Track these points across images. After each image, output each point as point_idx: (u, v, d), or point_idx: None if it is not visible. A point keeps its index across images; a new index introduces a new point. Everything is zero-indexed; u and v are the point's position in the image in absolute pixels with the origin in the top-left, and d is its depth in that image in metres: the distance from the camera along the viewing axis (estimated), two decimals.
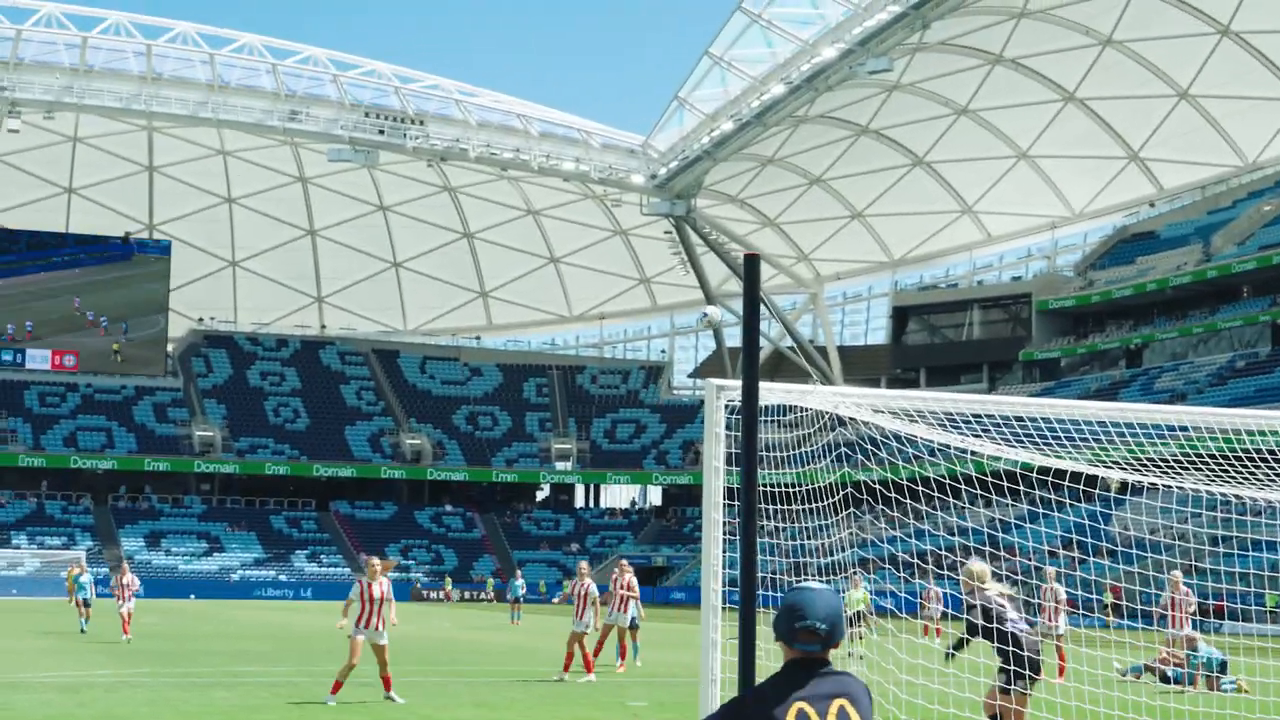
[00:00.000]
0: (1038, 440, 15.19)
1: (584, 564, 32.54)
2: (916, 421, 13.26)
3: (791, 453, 14.17)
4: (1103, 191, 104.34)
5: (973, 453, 14.54)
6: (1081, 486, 16.93)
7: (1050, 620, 29.74)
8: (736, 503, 9.68)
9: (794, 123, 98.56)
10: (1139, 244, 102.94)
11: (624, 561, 36.20)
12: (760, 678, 11.39)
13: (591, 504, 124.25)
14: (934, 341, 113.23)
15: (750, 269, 9.02)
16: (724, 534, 11.78)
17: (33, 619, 58.49)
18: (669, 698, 25.52)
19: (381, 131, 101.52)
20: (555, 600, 44.30)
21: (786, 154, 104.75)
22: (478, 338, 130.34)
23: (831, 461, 14.39)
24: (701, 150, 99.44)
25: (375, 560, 25.49)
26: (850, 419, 12.64)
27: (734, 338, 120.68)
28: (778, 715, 5.93)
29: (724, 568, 11.71)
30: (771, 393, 11.73)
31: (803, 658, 6.11)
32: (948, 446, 13.61)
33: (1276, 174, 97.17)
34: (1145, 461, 17.11)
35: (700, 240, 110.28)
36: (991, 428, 14.61)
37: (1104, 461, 16.79)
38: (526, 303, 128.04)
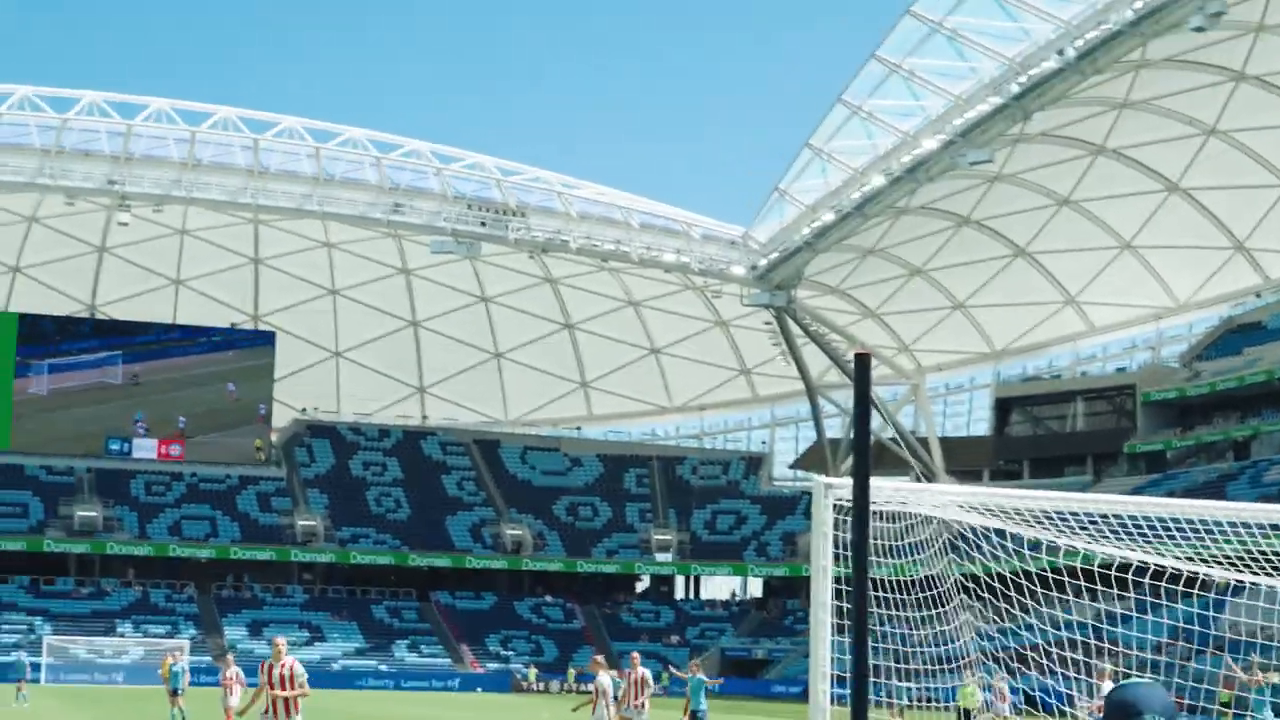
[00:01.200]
0: (1142, 535, 15.00)
1: (598, 657, 33.13)
2: (1018, 522, 13.14)
3: (892, 543, 14.09)
4: (1208, 282, 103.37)
5: (1072, 548, 14.39)
6: (1181, 587, 16.72)
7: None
8: (846, 604, 9.62)
9: (894, 213, 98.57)
10: (1245, 334, 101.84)
11: (634, 654, 36.59)
12: None
13: (692, 595, 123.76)
14: (1037, 433, 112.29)
15: (861, 368, 9.02)
16: (832, 633, 11.72)
17: (137, 707, 58.82)
18: None
19: (483, 223, 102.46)
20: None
21: (887, 244, 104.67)
22: (578, 428, 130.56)
23: (935, 553, 14.29)
24: (802, 241, 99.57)
25: (279, 640, 23.68)
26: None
27: (834, 429, 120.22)
28: None
29: (832, 667, 11.64)
30: (880, 492, 11.67)
31: None
32: (1053, 542, 13.46)
33: None
34: (1256, 555, 16.88)
35: (800, 331, 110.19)
36: (1098, 520, 14.45)
37: (1211, 557, 16.55)
38: (627, 393, 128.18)
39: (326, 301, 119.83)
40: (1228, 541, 16.07)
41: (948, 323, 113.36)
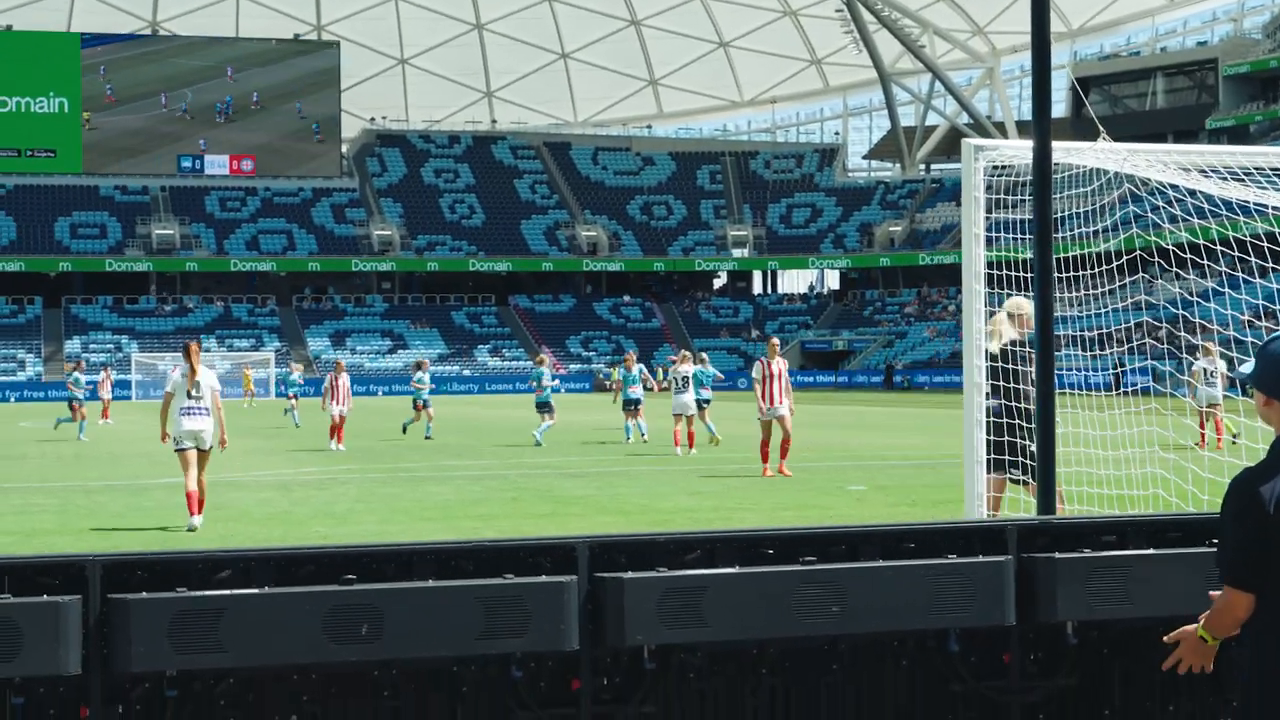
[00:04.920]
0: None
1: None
2: (1203, 176, 12.41)
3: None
4: None
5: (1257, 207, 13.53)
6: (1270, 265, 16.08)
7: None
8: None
9: None
10: None
11: (773, 340, 29.17)
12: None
13: (769, 289, 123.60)
14: (1116, 112, 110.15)
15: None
16: (984, 305, 11.20)
17: (231, 419, 59.32)
18: (886, 480, 25.11)
19: None
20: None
21: None
22: (649, 126, 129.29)
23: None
24: None
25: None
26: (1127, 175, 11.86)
27: (908, 116, 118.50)
28: None
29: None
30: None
31: None
32: (1251, 202, 12.66)
33: None
34: None
35: (872, 17, 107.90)
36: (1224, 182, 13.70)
37: None
38: (697, 89, 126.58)
39: (388, 8, 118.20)
40: None
41: (1022, 2, 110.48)
